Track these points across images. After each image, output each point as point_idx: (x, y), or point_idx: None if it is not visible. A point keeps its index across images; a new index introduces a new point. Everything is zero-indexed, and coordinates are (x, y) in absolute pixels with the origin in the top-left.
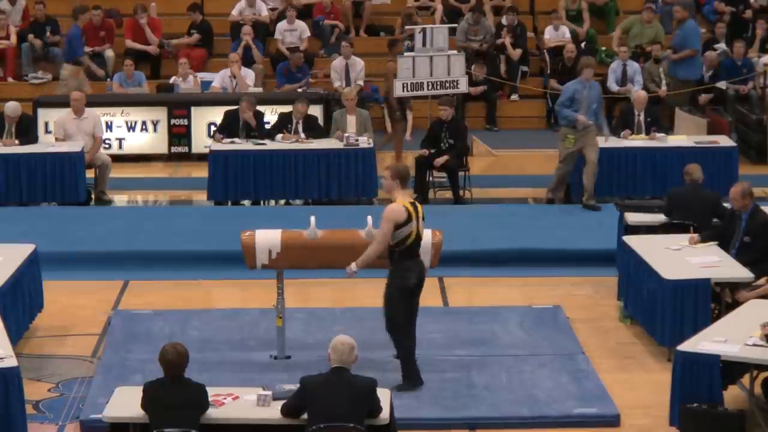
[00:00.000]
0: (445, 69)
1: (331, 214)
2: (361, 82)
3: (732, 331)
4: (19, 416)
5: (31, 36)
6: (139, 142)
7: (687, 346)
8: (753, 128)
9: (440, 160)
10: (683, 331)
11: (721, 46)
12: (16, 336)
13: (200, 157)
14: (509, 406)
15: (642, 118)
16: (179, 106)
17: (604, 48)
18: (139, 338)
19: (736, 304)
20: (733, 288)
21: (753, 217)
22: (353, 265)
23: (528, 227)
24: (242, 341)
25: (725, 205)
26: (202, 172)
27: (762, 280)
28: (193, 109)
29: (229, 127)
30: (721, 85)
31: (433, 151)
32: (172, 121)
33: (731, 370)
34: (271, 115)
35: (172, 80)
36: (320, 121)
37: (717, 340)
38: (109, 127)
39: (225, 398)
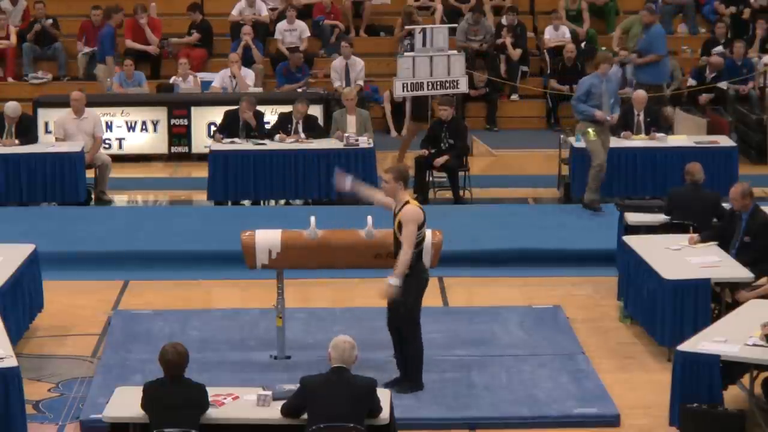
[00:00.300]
0: (445, 69)
1: (331, 214)
2: (361, 82)
3: (732, 331)
4: (19, 416)
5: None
6: (139, 142)
7: (687, 346)
8: (753, 128)
9: (440, 160)
10: (683, 331)
11: (719, 49)
12: (16, 336)
13: (200, 157)
14: (509, 406)
15: (642, 118)
16: (179, 106)
17: (604, 48)
18: (139, 338)
19: (736, 304)
20: (733, 288)
21: (753, 217)
22: (394, 280)
23: (528, 227)
24: (242, 341)
25: (725, 205)
26: (202, 172)
27: (762, 280)
28: (193, 109)
29: (229, 127)
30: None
31: (433, 151)
32: (172, 121)
33: (731, 370)
34: (271, 115)
35: (172, 80)
36: (320, 121)
37: (717, 340)
38: (109, 127)
39: (225, 398)
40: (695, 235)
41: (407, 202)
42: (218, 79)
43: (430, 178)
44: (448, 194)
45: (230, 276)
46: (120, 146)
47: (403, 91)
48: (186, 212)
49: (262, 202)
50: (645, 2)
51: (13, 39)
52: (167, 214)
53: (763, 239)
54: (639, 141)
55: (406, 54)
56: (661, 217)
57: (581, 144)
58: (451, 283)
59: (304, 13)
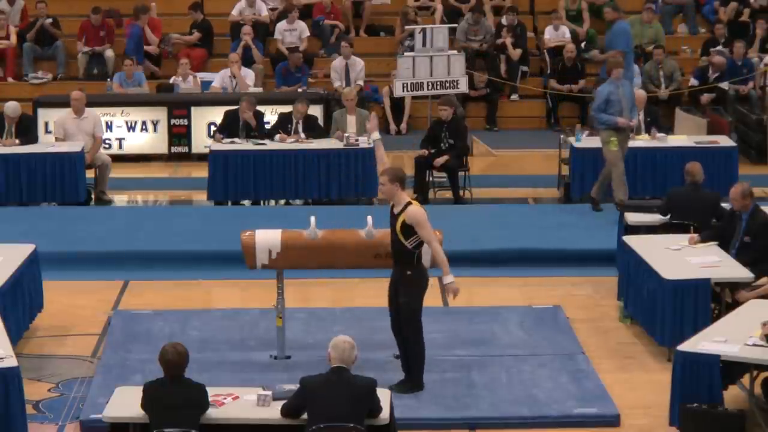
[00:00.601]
0: (445, 69)
1: (331, 214)
2: (361, 82)
3: (732, 331)
4: (19, 416)
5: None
6: (139, 142)
7: (687, 346)
8: (753, 128)
9: (440, 160)
10: (683, 331)
11: (717, 49)
12: (16, 336)
13: (200, 157)
14: (509, 406)
15: (642, 118)
16: (179, 106)
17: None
18: (139, 338)
19: (736, 304)
20: (733, 288)
21: (753, 217)
22: (449, 278)
23: (528, 227)
24: (242, 341)
25: (724, 205)
26: (202, 172)
27: (762, 280)
28: (193, 109)
29: (229, 127)
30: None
31: (433, 151)
32: (172, 121)
33: (731, 370)
34: (271, 115)
35: (172, 80)
36: (320, 121)
37: (717, 340)
38: (109, 127)
39: (225, 398)
40: (695, 235)
41: (409, 203)
42: (218, 79)
43: (430, 178)
44: (448, 194)
45: (230, 276)
46: (120, 146)
47: (403, 91)
48: (186, 212)
49: (262, 202)
50: (645, 2)
51: (13, 39)
52: (167, 214)
53: (763, 239)
54: (639, 141)
55: (406, 54)
56: (661, 217)
57: (581, 144)
58: None
59: (304, 13)
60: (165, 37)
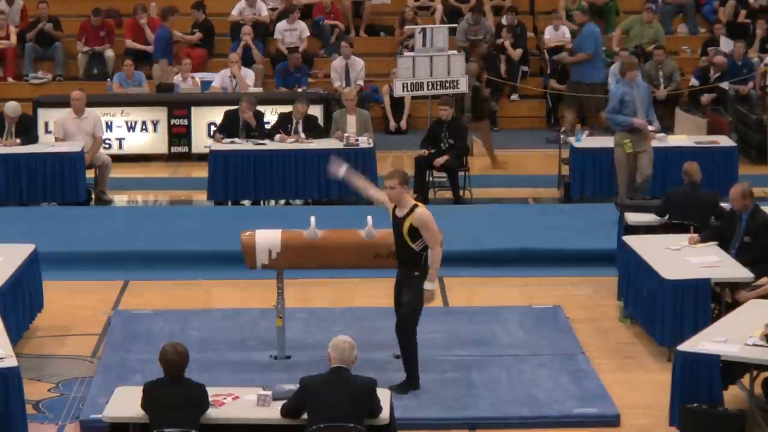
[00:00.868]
0: (445, 69)
1: (331, 214)
2: (361, 82)
3: (732, 331)
4: (19, 416)
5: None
6: (139, 142)
7: (687, 346)
8: (753, 128)
9: (440, 160)
10: (683, 331)
11: (715, 48)
12: (16, 336)
13: (200, 157)
14: (509, 406)
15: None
16: (179, 106)
17: (604, 48)
18: (139, 338)
19: (736, 304)
20: (733, 288)
21: (753, 217)
22: (430, 284)
23: (528, 227)
24: (242, 341)
25: (724, 205)
26: (202, 172)
27: (762, 280)
28: (193, 109)
29: (229, 127)
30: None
31: (433, 151)
32: (172, 121)
33: (731, 370)
34: (271, 115)
35: (174, 80)
36: (320, 121)
37: (717, 340)
38: (109, 127)
39: (225, 398)
40: (695, 235)
41: (416, 206)
42: (218, 79)
43: (430, 178)
44: (448, 194)
45: (230, 276)
46: (120, 146)
47: (403, 91)
48: (186, 212)
49: (262, 202)
50: (645, 2)
51: (13, 39)
52: (167, 214)
53: (763, 239)
54: None
55: (406, 54)
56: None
57: (581, 144)
58: (451, 283)
59: (304, 13)
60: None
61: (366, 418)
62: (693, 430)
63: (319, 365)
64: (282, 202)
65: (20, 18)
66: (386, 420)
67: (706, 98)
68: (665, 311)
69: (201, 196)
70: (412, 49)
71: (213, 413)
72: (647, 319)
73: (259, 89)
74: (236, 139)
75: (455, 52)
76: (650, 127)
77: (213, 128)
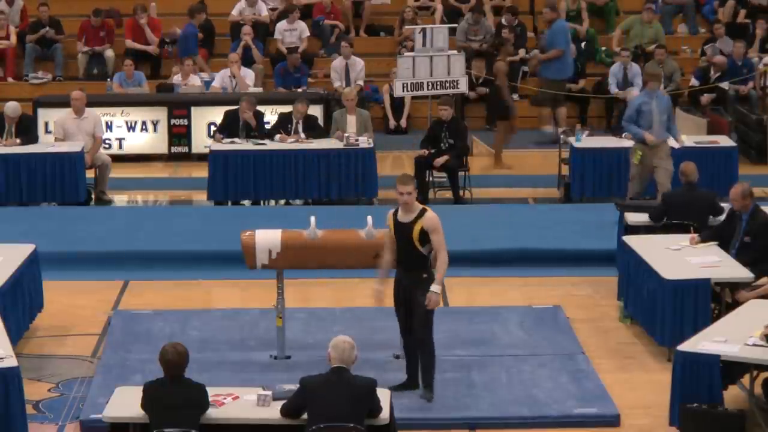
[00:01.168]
0: (445, 69)
1: (331, 214)
2: (361, 82)
3: (732, 331)
4: (19, 416)
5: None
6: (139, 142)
7: (687, 346)
8: (753, 128)
9: (440, 160)
10: (683, 331)
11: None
12: (16, 336)
13: (200, 157)
14: (509, 406)
15: None
16: (179, 106)
17: (604, 48)
18: (139, 338)
19: (736, 304)
20: (733, 288)
21: (753, 217)
22: (437, 287)
23: (528, 227)
24: (242, 341)
25: (723, 205)
26: (202, 172)
27: (762, 280)
28: (193, 109)
29: (229, 127)
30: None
31: (433, 151)
32: (172, 121)
33: (731, 370)
34: (271, 115)
35: (173, 80)
36: (320, 121)
37: (717, 340)
38: (109, 127)
39: (225, 398)
40: (696, 235)
41: (424, 209)
42: (218, 79)
43: (430, 178)
44: (448, 194)
45: (230, 276)
46: (120, 146)
47: (403, 91)
48: (186, 212)
49: (262, 202)
50: (645, 2)
51: (13, 39)
52: (167, 214)
53: (763, 239)
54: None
55: (406, 54)
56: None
57: (581, 144)
58: (452, 283)
59: (304, 13)
60: (170, 33)
61: (366, 418)
62: (693, 430)
63: (319, 365)
64: (282, 202)
65: (20, 18)
66: (386, 420)
67: (706, 98)
68: (665, 311)
69: (201, 196)
70: (412, 49)
71: (213, 413)
72: (647, 319)
73: (259, 89)
74: (236, 139)
75: (455, 52)
76: (674, 143)
77: (213, 128)
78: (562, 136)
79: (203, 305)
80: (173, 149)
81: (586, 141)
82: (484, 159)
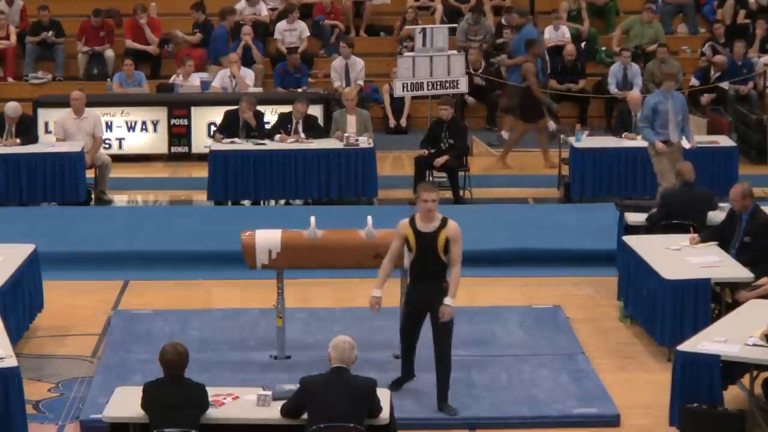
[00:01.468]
0: (445, 69)
1: (331, 214)
2: (361, 82)
3: (732, 331)
4: (19, 416)
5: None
6: (139, 142)
7: (687, 346)
8: (753, 128)
9: (440, 160)
10: (683, 331)
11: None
12: (16, 336)
13: (200, 157)
14: (509, 406)
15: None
16: (179, 106)
17: (604, 48)
18: (139, 338)
19: (736, 304)
20: (733, 288)
21: (753, 217)
22: (450, 300)
23: (528, 227)
24: (242, 341)
25: (724, 205)
26: (202, 172)
27: (762, 280)
28: (193, 109)
29: (229, 127)
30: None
31: (433, 150)
32: (172, 121)
33: (731, 370)
34: (271, 115)
35: (171, 80)
36: (320, 121)
37: (717, 340)
38: (109, 127)
39: (225, 398)
40: (696, 235)
41: (446, 218)
42: (218, 79)
43: (430, 178)
44: (448, 194)
45: (230, 276)
46: (120, 146)
47: (403, 91)
48: (186, 212)
49: (262, 202)
50: (645, 2)
51: (13, 39)
52: (167, 214)
53: (763, 239)
54: (639, 141)
55: (406, 54)
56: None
57: (581, 144)
58: None
59: (304, 13)
60: (171, 34)
61: (366, 418)
62: (693, 430)
63: (319, 365)
64: (282, 202)
65: (20, 18)
66: (386, 420)
67: (706, 98)
68: (665, 311)
69: (201, 196)
70: (412, 49)
71: (213, 413)
72: (647, 319)
73: (259, 89)
74: (236, 139)
75: (455, 52)
76: (686, 144)
77: (213, 128)
78: (561, 136)
79: (203, 305)
80: (173, 149)
81: (586, 141)
82: (484, 159)
